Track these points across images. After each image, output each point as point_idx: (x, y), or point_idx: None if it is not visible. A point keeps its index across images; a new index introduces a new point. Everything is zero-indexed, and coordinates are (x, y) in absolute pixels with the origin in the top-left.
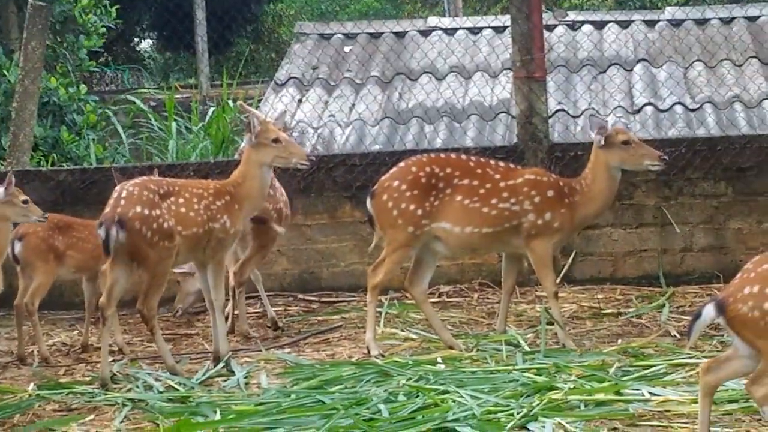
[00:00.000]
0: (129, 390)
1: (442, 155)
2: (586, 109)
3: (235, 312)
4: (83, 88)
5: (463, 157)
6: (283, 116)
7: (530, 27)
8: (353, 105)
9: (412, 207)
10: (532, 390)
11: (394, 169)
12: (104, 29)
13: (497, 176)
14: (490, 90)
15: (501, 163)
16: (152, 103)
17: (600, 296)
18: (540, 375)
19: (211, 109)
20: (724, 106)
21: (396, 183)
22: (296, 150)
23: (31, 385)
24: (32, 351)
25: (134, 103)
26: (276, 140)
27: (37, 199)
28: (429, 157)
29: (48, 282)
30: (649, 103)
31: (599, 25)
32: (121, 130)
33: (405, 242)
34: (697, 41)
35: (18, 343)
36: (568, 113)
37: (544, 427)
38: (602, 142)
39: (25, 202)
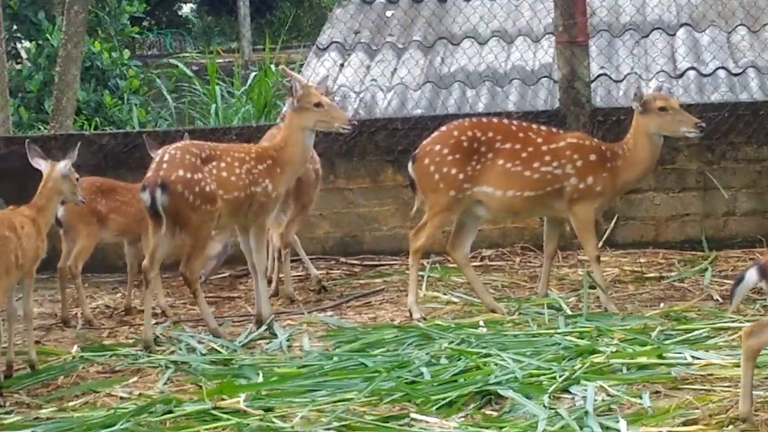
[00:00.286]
0: (172, 352)
1: (484, 119)
2: (628, 74)
3: (281, 275)
4: (126, 52)
5: (505, 121)
6: (325, 81)
7: None
8: (395, 69)
9: (453, 171)
10: (574, 353)
11: (436, 133)
12: None
13: (539, 140)
14: (532, 54)
15: (543, 127)
16: (194, 68)
17: (642, 260)
18: (582, 338)
19: (253, 73)
20: None
21: (438, 147)
22: (338, 114)
23: (75, 347)
24: (76, 313)
25: (176, 67)
26: (318, 104)
27: (80, 162)
28: (471, 121)
29: (91, 245)
30: (692, 68)
31: None
32: (166, 93)
33: (447, 206)
34: (740, 5)
35: (62, 306)
36: (611, 78)
37: (586, 390)
38: (640, 108)
39: (77, 179)
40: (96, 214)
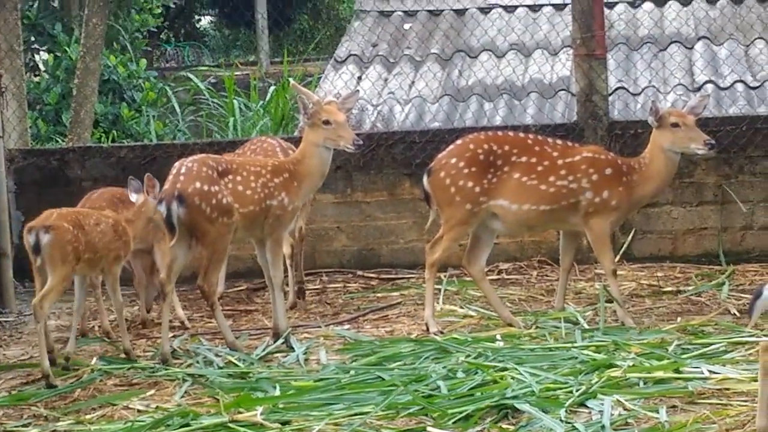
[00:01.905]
0: (189, 365)
1: (500, 133)
2: (646, 87)
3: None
4: (143, 62)
5: (521, 134)
6: (353, 97)
7: (591, 4)
8: (413, 82)
9: (469, 184)
10: (590, 367)
11: (452, 146)
12: (159, 9)
13: (555, 154)
14: (549, 68)
15: (559, 141)
16: (212, 80)
17: (659, 274)
18: (599, 352)
19: (271, 86)
20: None
21: (453, 160)
22: (344, 133)
23: (93, 359)
24: (93, 326)
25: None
26: (326, 122)
27: (97, 175)
28: (486, 134)
29: None
30: (710, 81)
31: (660, 3)
32: (177, 107)
33: (462, 219)
34: (758, 19)
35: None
36: (629, 91)
37: (602, 404)
38: (655, 123)
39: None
40: None
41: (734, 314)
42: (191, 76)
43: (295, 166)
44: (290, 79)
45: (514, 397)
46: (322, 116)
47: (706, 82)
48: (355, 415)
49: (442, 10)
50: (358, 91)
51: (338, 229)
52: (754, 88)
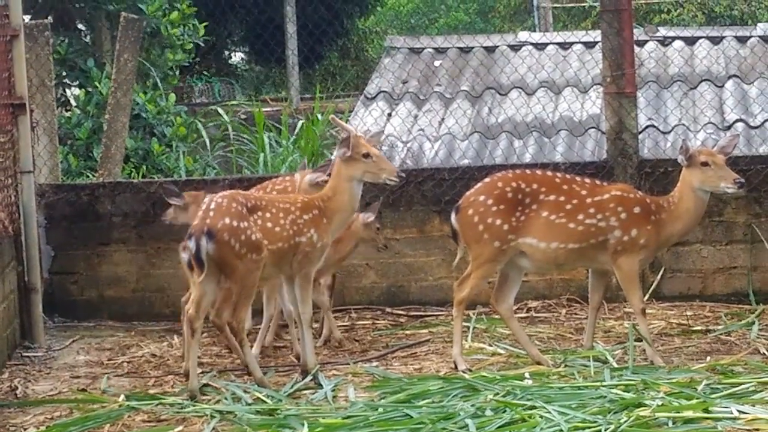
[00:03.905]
0: (217, 402)
1: (528, 171)
2: (676, 125)
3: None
4: (172, 98)
5: (549, 173)
6: (379, 135)
7: (621, 42)
8: (443, 119)
9: (498, 222)
10: (619, 406)
11: (480, 184)
12: (191, 45)
13: (583, 192)
14: (579, 105)
15: (587, 179)
16: (243, 116)
17: (689, 313)
18: (628, 391)
19: (301, 122)
20: None
21: (482, 198)
22: (386, 166)
23: (122, 395)
24: (122, 362)
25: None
26: (366, 155)
27: (128, 210)
28: (515, 172)
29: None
30: (740, 120)
31: (690, 41)
32: (206, 139)
33: (491, 257)
34: None
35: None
36: (659, 129)
37: None
38: (685, 162)
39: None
40: None
41: (764, 354)
42: (221, 111)
43: (325, 202)
44: (319, 115)
45: None
46: (361, 150)
47: (737, 120)
48: None
49: (472, 48)
50: (382, 131)
51: (367, 266)
52: None
